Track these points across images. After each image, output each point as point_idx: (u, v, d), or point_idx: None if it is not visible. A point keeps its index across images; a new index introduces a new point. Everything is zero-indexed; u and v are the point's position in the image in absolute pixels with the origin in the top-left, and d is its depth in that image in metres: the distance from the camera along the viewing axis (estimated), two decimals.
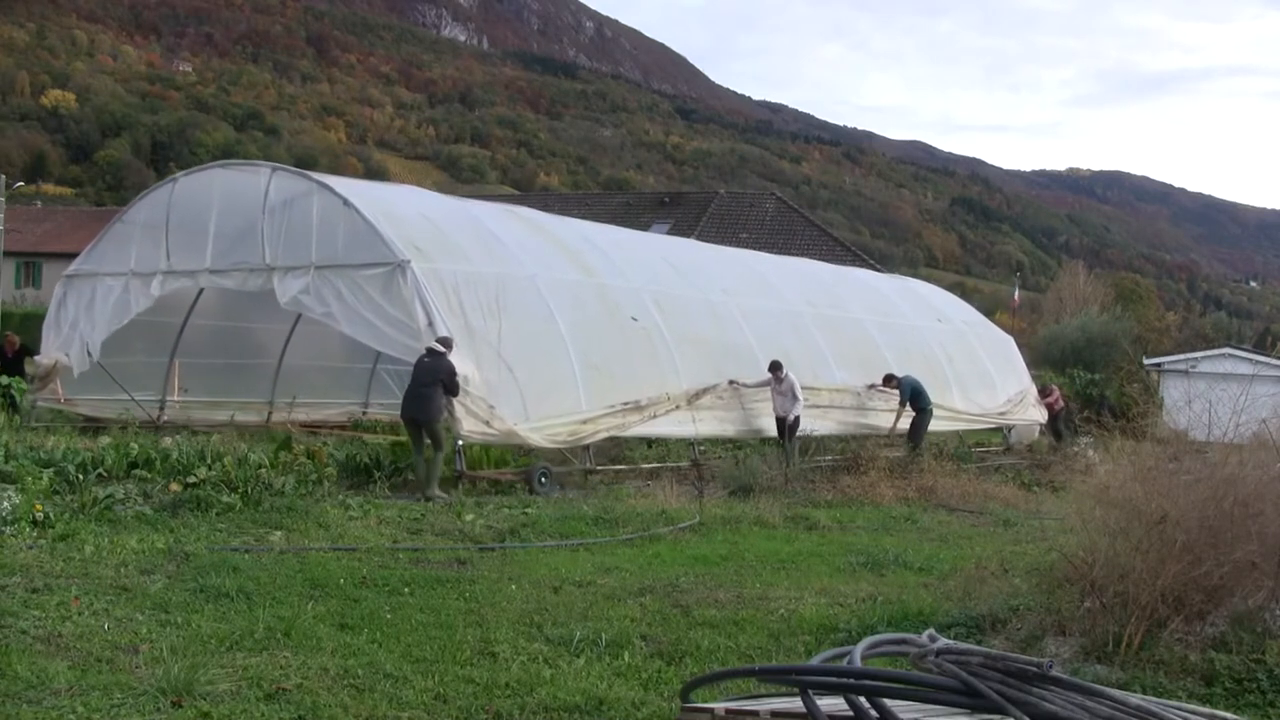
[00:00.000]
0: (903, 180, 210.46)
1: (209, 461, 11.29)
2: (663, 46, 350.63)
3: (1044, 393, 24.63)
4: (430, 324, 13.28)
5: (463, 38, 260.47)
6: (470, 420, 12.89)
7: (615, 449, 16.48)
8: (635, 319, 16.22)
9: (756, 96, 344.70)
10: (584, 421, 14.32)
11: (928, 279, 37.27)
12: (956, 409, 21.09)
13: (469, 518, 10.79)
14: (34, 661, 5.46)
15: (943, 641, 3.94)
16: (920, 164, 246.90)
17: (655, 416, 15.29)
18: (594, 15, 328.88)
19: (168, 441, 13.47)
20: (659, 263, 18.67)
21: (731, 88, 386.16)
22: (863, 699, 3.71)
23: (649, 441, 16.96)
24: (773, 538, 10.68)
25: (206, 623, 6.39)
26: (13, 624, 6.10)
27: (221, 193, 16.33)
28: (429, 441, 12.61)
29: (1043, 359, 37.36)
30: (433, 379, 12.61)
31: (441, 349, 12.80)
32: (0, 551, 7.83)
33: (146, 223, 17.16)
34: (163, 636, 6.06)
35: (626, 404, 14.94)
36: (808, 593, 8.03)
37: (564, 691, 5.41)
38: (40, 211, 63.60)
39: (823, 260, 29.29)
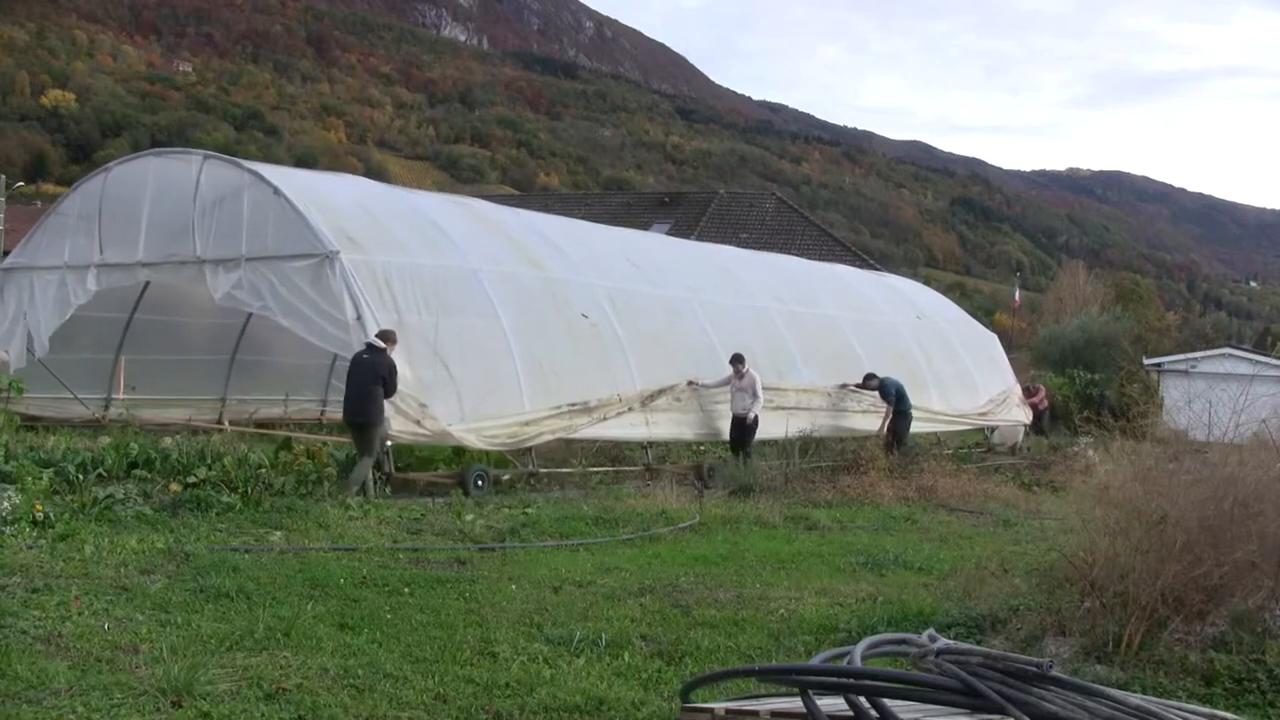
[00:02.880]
0: (903, 180, 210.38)
1: (209, 461, 11.29)
2: (663, 47, 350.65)
3: (1029, 392, 24.54)
4: (359, 318, 12.58)
5: (463, 38, 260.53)
6: (400, 420, 12.18)
7: (615, 450, 16.38)
8: (586, 316, 15.46)
9: (756, 97, 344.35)
10: (526, 423, 13.60)
11: (928, 279, 37.35)
12: (933, 410, 20.29)
13: (469, 518, 10.78)
14: (34, 661, 5.45)
15: (943, 641, 3.94)
16: (920, 164, 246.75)
17: (606, 419, 14.59)
18: (594, 15, 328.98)
19: (168, 441, 13.43)
20: (618, 259, 17.79)
21: (731, 88, 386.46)
22: (863, 699, 3.72)
23: (648, 443, 16.82)
24: (773, 538, 10.69)
25: (206, 623, 6.38)
26: (13, 624, 6.09)
27: (155, 182, 15.57)
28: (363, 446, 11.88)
29: (1043, 359, 37.45)
30: (373, 376, 11.80)
31: (381, 344, 12.01)
32: (0, 551, 7.83)
33: (80, 214, 16.42)
34: (163, 636, 6.05)
35: (574, 405, 14.21)
36: (808, 593, 8.04)
37: (564, 691, 5.41)
38: (40, 211, 63.48)
39: (822, 260, 28.99)
